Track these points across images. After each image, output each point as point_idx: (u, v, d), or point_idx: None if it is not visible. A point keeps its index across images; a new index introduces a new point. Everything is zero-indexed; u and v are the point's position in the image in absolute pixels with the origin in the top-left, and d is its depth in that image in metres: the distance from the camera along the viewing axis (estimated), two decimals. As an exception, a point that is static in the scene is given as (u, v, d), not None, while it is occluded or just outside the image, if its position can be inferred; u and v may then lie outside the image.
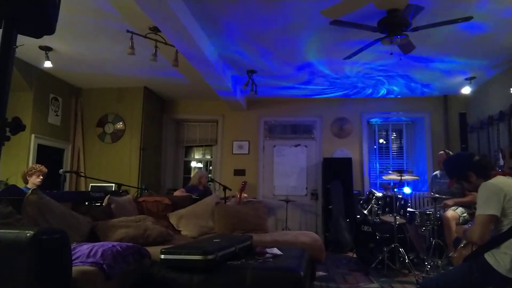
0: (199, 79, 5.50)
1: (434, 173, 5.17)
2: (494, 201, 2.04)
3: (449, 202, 4.41)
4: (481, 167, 2.25)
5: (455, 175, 2.38)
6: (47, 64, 5.07)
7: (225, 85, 5.69)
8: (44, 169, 4.41)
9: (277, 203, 6.87)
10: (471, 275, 2.06)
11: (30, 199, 2.58)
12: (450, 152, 5.03)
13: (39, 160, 5.59)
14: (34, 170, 4.34)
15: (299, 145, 7.40)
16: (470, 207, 4.35)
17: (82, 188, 6.37)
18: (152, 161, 7.01)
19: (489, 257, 2.02)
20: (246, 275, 2.30)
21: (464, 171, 2.29)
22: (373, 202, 4.92)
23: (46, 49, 4.92)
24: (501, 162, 5.21)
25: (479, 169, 2.25)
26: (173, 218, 4.15)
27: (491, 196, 2.06)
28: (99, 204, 3.80)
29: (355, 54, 4.44)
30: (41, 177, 4.35)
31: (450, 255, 3.73)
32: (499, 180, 2.13)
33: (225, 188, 5.11)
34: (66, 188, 6.11)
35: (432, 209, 4.49)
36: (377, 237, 4.68)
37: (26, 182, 4.33)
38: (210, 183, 6.22)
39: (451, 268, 2.73)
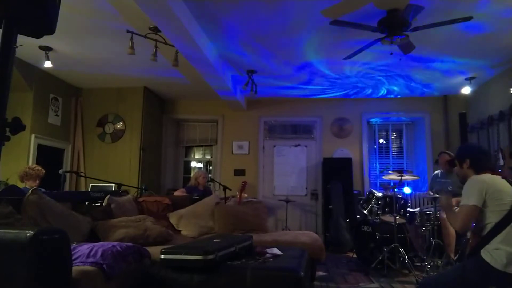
0: (199, 79, 5.50)
1: (435, 172, 5.17)
2: (475, 192, 2.13)
3: (452, 201, 4.41)
4: (477, 160, 2.35)
5: (456, 155, 2.49)
6: (47, 64, 5.07)
7: (225, 85, 5.69)
8: (41, 173, 4.25)
9: (277, 203, 6.87)
10: (470, 274, 2.07)
11: (30, 199, 2.58)
12: (451, 154, 5.03)
13: (39, 160, 5.59)
14: (29, 176, 4.18)
15: (299, 145, 7.40)
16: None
17: (82, 188, 6.38)
18: (152, 161, 7.01)
19: (485, 254, 2.04)
20: (246, 275, 2.31)
21: (465, 155, 2.39)
22: (373, 202, 4.92)
23: (46, 49, 4.92)
24: (501, 162, 5.21)
25: (474, 160, 2.35)
26: (173, 218, 4.15)
27: (474, 187, 2.16)
28: (99, 204, 3.79)
29: (355, 54, 4.44)
30: (38, 181, 4.22)
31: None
32: (485, 176, 2.23)
33: (225, 188, 5.11)
34: (66, 188, 6.10)
35: (432, 209, 4.49)
36: (377, 237, 4.68)
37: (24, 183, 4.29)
38: (210, 183, 6.21)
39: (450, 267, 2.74)
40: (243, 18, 4.08)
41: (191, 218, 4.14)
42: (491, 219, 2.11)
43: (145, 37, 4.16)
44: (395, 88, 6.64)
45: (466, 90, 6.15)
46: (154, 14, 3.47)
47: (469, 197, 2.16)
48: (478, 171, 2.29)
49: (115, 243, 2.43)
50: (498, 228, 2.06)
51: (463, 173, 2.38)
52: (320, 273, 4.36)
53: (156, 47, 4.24)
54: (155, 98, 7.19)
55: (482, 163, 2.34)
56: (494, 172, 2.30)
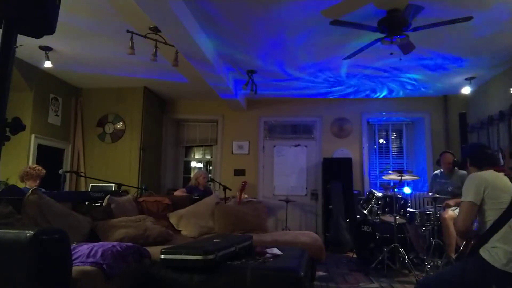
0: (199, 79, 5.50)
1: (435, 172, 5.16)
2: (473, 189, 2.16)
3: (451, 202, 4.41)
4: (475, 157, 2.40)
5: (461, 159, 2.60)
6: (47, 64, 5.07)
7: (225, 85, 5.69)
8: (41, 172, 4.25)
9: (277, 203, 6.87)
10: (470, 273, 2.06)
11: (30, 199, 2.58)
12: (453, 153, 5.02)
13: (39, 160, 5.59)
14: (30, 176, 4.18)
15: (299, 145, 7.40)
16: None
17: (82, 188, 6.37)
18: (152, 161, 7.01)
19: (484, 253, 2.05)
20: (246, 275, 2.30)
21: (465, 155, 2.49)
22: (373, 202, 4.91)
23: (46, 49, 4.92)
24: (501, 162, 5.20)
25: (472, 158, 2.41)
26: (173, 218, 4.15)
27: (472, 184, 2.18)
28: (99, 204, 3.80)
29: (355, 54, 4.43)
30: (38, 181, 4.22)
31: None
32: (487, 173, 2.23)
33: (225, 188, 5.11)
34: (66, 188, 6.11)
35: (432, 209, 4.49)
36: (377, 237, 4.68)
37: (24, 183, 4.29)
38: (210, 183, 6.21)
39: (449, 266, 2.75)
40: (243, 17, 4.08)
41: (191, 218, 4.14)
42: (490, 217, 2.12)
43: (145, 37, 4.16)
44: (395, 88, 6.64)
45: (466, 90, 6.15)
46: (154, 14, 3.47)
47: (466, 194, 2.18)
48: (480, 168, 2.31)
49: (115, 243, 2.43)
50: (496, 226, 2.07)
51: (469, 172, 2.40)
52: (320, 273, 4.36)
53: (156, 47, 4.24)
54: (155, 98, 7.19)
55: (482, 159, 2.36)
56: (497, 168, 2.31)
